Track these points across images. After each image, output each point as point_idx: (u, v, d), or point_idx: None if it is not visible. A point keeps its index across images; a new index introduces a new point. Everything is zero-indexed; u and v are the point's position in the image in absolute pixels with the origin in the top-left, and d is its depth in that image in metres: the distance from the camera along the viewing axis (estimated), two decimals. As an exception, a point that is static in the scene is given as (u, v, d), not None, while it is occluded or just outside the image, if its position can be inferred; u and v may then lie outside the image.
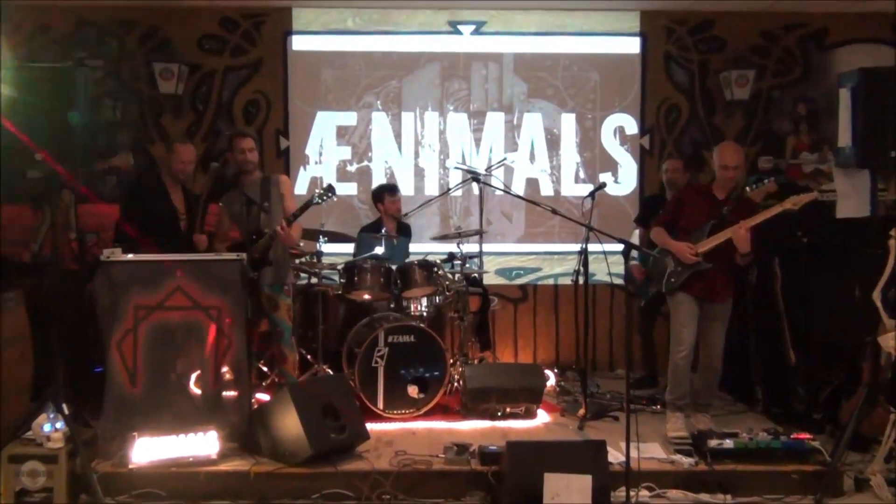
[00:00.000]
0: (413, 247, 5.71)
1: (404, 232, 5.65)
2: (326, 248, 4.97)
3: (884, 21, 5.86)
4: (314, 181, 5.96)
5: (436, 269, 4.91)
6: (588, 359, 4.84)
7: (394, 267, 4.94)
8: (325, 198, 4.12)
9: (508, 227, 6.07)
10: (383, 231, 5.23)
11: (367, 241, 5.30)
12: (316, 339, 4.86)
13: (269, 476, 3.61)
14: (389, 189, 5.58)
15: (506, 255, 6.05)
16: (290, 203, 4.32)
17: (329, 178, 5.97)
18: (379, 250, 5.04)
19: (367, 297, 4.93)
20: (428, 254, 5.60)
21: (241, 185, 4.30)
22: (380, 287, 4.82)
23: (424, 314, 4.96)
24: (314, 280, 5.15)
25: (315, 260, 4.89)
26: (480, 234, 5.49)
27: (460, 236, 5.02)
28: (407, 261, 5.18)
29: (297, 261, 5.01)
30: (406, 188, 5.99)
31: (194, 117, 5.87)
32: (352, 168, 5.99)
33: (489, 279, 5.93)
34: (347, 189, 5.97)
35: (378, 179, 5.98)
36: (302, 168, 5.93)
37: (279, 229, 4.10)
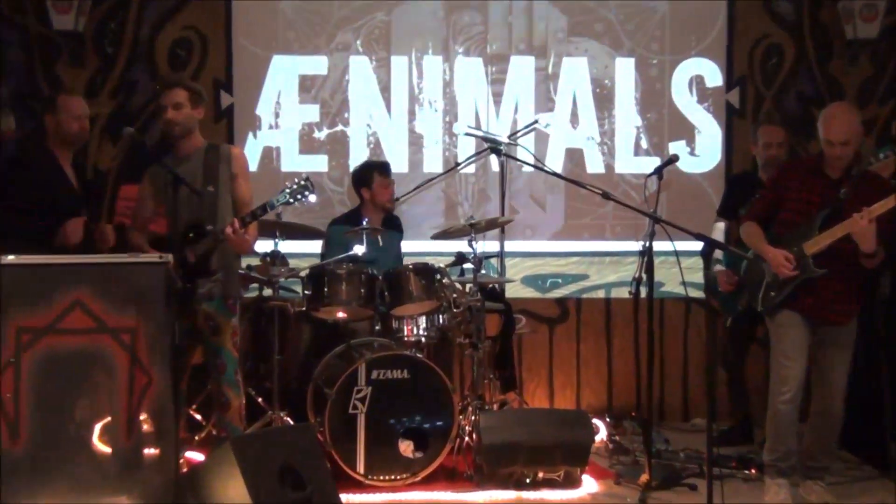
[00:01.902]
0: (407, 245, 5.72)
1: (393, 225, 5.66)
2: (285, 246, 4.97)
3: None
4: (268, 153, 5.98)
5: (439, 277, 4.92)
6: (654, 403, 4.83)
7: (379, 274, 4.95)
8: (300, 196, 4.12)
9: (541, 218, 6.09)
10: (364, 224, 5.22)
11: (340, 237, 5.30)
12: (270, 375, 4.87)
13: (204, 568, 3.59)
14: (381, 168, 5.59)
15: (538, 257, 6.08)
16: (246, 188, 4.30)
17: (289, 148, 5.98)
18: (359, 250, 5.03)
19: (341, 315, 4.93)
20: (428, 255, 5.59)
21: (170, 159, 4.29)
22: (360, 301, 4.83)
23: (423, 340, 4.97)
24: (268, 292, 5.15)
25: (269, 263, 4.91)
26: (502, 227, 5.49)
27: (473, 231, 5.00)
28: (398, 265, 5.19)
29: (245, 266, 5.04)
30: (397, 163, 5.99)
31: (100, 63, 5.88)
32: (320, 134, 6.01)
33: (514, 290, 5.96)
34: (314, 163, 5.98)
35: (357, 151, 5.99)
36: (251, 134, 5.95)
37: (229, 232, 4.09)
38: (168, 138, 4.31)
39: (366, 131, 6.02)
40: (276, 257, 4.88)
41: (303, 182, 4.16)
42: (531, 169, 5.82)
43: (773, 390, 4.31)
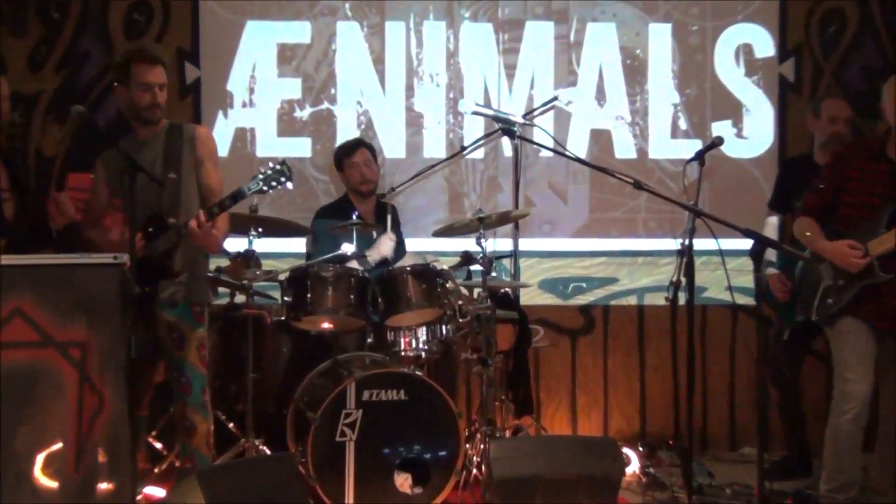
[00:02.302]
0: (406, 244, 5.76)
1: (389, 218, 5.67)
2: (261, 245, 4.97)
3: None
4: (241, 136, 5.99)
5: (441, 281, 4.93)
6: (695, 429, 4.81)
7: (372, 276, 4.97)
8: (274, 183, 4.11)
9: (562, 212, 6.11)
10: (354, 217, 5.23)
11: (325, 233, 5.33)
12: (243, 396, 4.86)
13: None
14: (348, 149, 5.68)
15: (558, 258, 6.09)
16: (214, 176, 4.30)
17: (266, 129, 6.00)
18: (347, 249, 5.03)
19: (327, 325, 4.95)
20: (429, 255, 5.61)
21: (126, 142, 4.28)
22: (348, 310, 4.84)
23: (423, 355, 4.99)
24: (240, 298, 5.17)
25: (242, 265, 4.90)
26: (516, 222, 5.50)
27: (482, 226, 4.99)
28: (394, 266, 5.21)
29: (215, 269, 5.04)
30: (393, 147, 6.01)
31: (45, 31, 5.88)
32: (303, 113, 6.03)
33: (530, 296, 5.97)
34: (295, 147, 6.01)
35: (346, 132, 6.00)
36: (220, 114, 5.97)
37: (193, 225, 4.08)
38: (141, 121, 4.29)
39: (356, 110, 6.03)
40: (250, 257, 4.85)
41: (278, 167, 4.15)
42: (550, 154, 5.82)
43: (834, 408, 4.29)
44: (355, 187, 5.61)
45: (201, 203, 4.24)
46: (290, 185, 4.20)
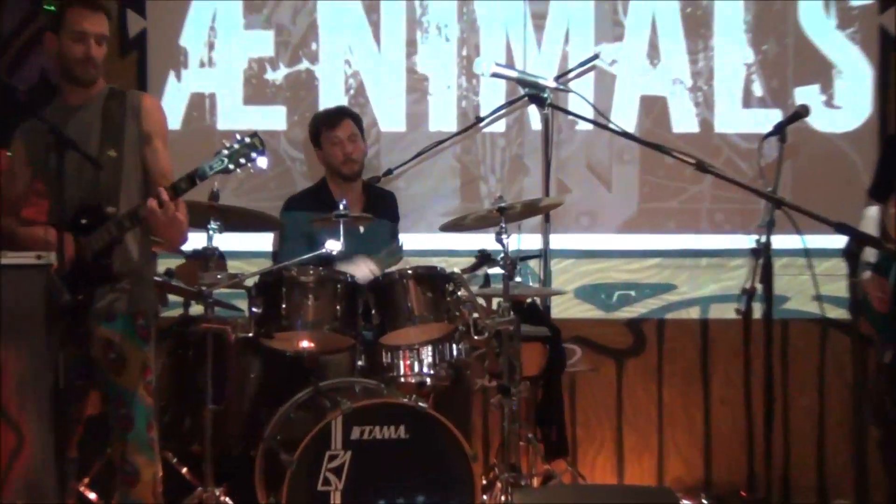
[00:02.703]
0: (405, 241, 5.71)
1: (384, 209, 5.68)
2: (223, 241, 4.95)
3: None
4: (197, 104, 6.00)
5: (451, 288, 4.92)
6: (774, 476, 4.78)
7: (363, 281, 4.98)
8: (243, 161, 4.07)
9: (605, 201, 6.13)
10: (342, 208, 5.20)
11: (297, 229, 5.35)
12: (201, 434, 4.86)
13: None
14: (328, 119, 5.68)
15: (599, 259, 6.11)
16: (163, 155, 4.29)
17: (230, 95, 6.01)
18: (331, 247, 5.01)
19: (306, 344, 4.95)
20: (436, 255, 5.65)
21: (52, 112, 4.27)
22: (334, 324, 4.84)
23: (428, 381, 5.00)
24: (197, 309, 5.18)
25: (199, 267, 4.91)
26: (546, 214, 5.50)
27: (504, 219, 4.97)
28: (392, 269, 5.21)
29: (163, 272, 5.03)
30: (390, 118, 6.02)
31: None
32: (276, 75, 6.06)
33: (564, 307, 5.99)
34: (267, 117, 6.02)
35: (330, 99, 6.02)
36: (172, 75, 5.99)
37: (154, 205, 4.06)
38: (69, 78, 4.27)
39: (343, 71, 6.05)
40: (209, 257, 4.83)
41: (248, 140, 4.11)
42: (589, 127, 5.81)
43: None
44: (336, 168, 5.62)
45: (146, 189, 4.22)
46: (263, 162, 4.17)
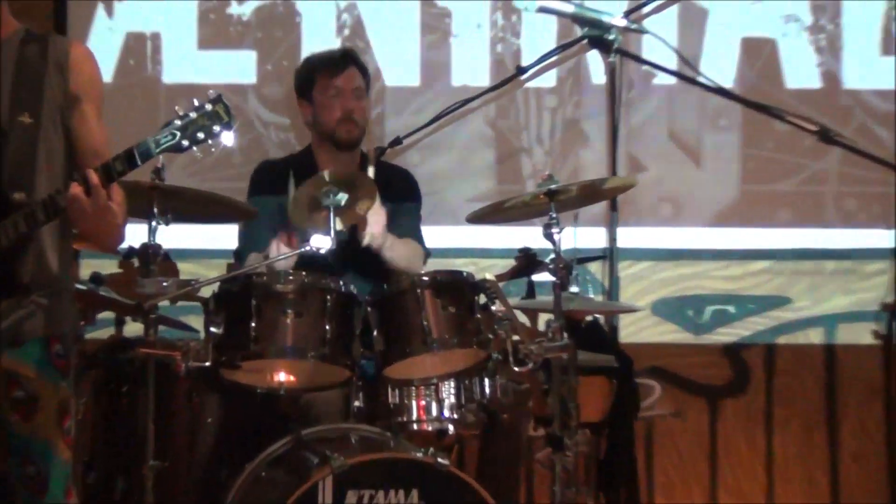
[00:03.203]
0: (427, 236, 5.77)
1: (396, 190, 5.65)
2: (171, 236, 4.94)
3: None
4: (136, 49, 6.07)
5: (482, 301, 4.92)
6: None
7: (364, 293, 4.97)
8: (205, 135, 4.02)
9: (694, 182, 6.20)
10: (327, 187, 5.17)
11: (270, 216, 5.38)
12: (139, 499, 4.80)
13: None
14: (326, 64, 5.68)
15: (686, 261, 6.18)
16: (97, 125, 4.26)
17: (179, 37, 6.07)
18: (318, 244, 4.95)
19: (284, 378, 4.96)
20: (461, 255, 5.74)
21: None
22: (321, 350, 4.82)
23: (451, 429, 4.97)
24: (134, 328, 5.14)
25: (137, 272, 4.86)
26: (612, 200, 5.52)
27: (553, 205, 4.92)
28: (401, 275, 5.21)
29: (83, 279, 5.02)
30: (398, 68, 6.11)
31: None
32: (242, 9, 6.14)
33: (638, 328, 6.07)
34: (229, 67, 6.11)
35: (316, 42, 6.08)
36: (101, 8, 6.05)
37: (78, 192, 4.01)
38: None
39: (334, 4, 6.14)
40: (150, 258, 4.83)
41: (208, 107, 4.06)
42: (671, 80, 5.87)
43: None
44: (329, 129, 5.59)
45: (72, 172, 4.18)
46: (228, 138, 4.12)
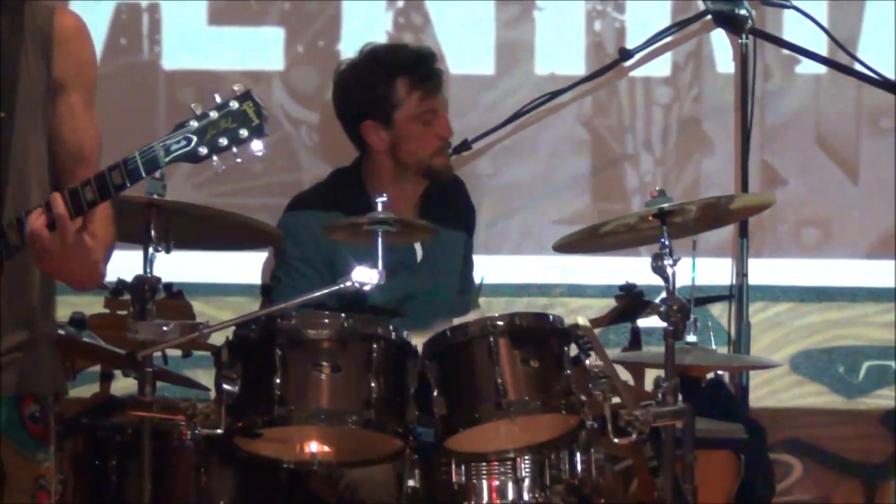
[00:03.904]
0: (491, 265, 5.83)
1: (450, 211, 5.72)
2: (175, 267, 5.00)
3: None
4: (129, 23, 6.09)
5: (573, 352, 4.95)
6: None
7: (418, 339, 4.99)
8: (229, 141, 4.04)
9: (847, 201, 6.18)
10: (379, 206, 5.20)
11: (312, 243, 5.43)
12: None
13: None
14: (421, 70, 5.68)
15: (835, 303, 6.15)
16: (87, 119, 4.26)
17: (185, 9, 6.11)
18: (363, 277, 5.00)
19: (316, 448, 4.98)
20: (544, 292, 5.75)
21: None
22: (366, 415, 4.83)
23: None
24: (125, 384, 5.20)
25: (129, 314, 4.89)
26: (743, 222, 5.52)
27: (666, 229, 4.95)
28: (465, 315, 5.28)
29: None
30: (468, 51, 6.12)
31: None
32: None
33: (772, 388, 6.04)
34: (250, 51, 6.13)
35: (362, 24, 6.10)
36: None
37: (38, 226, 4.04)
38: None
39: None
40: (144, 294, 4.89)
41: (235, 104, 4.08)
42: (820, 70, 5.88)
43: None
44: (424, 164, 5.62)
45: (54, 178, 4.24)
46: (258, 146, 4.15)
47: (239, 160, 4.09)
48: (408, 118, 5.59)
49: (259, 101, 4.04)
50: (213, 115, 4.02)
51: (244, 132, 4.03)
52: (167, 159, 4.00)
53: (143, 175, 3.99)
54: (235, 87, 4.03)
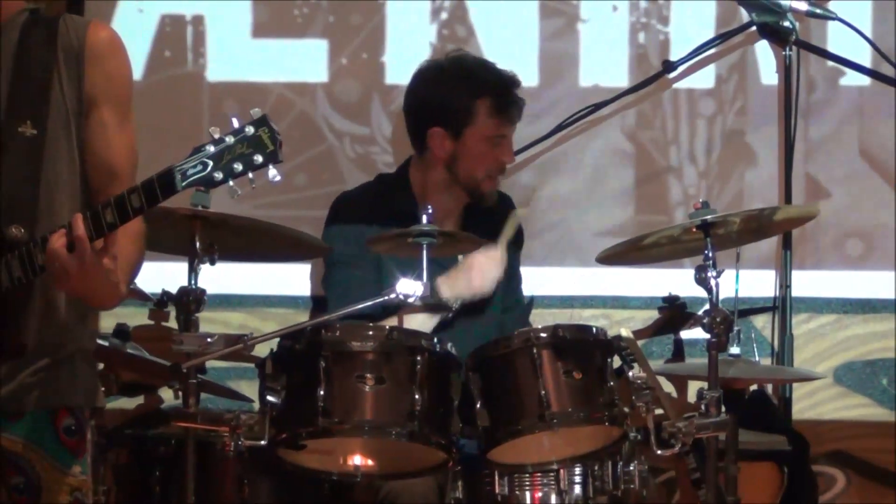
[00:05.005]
0: (535, 277, 5.82)
1: (496, 225, 5.68)
2: (217, 279, 4.99)
3: None
4: (174, 35, 6.11)
5: (616, 364, 4.93)
6: None
7: (463, 353, 4.97)
8: (243, 166, 4.02)
9: (890, 215, 6.10)
10: (424, 218, 5.19)
11: (356, 253, 5.41)
12: None
13: None
14: (507, 94, 5.64)
15: (881, 315, 6.11)
16: (121, 135, 4.20)
17: (231, 21, 6.11)
18: (407, 290, 4.98)
19: (360, 461, 4.95)
20: (589, 304, 5.73)
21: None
22: (409, 427, 4.82)
23: None
24: (168, 397, 5.22)
25: (179, 325, 4.90)
26: (786, 235, 5.49)
27: (709, 241, 4.92)
28: (513, 330, 5.19)
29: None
30: (512, 63, 5.92)
31: None
32: None
33: (816, 400, 6.04)
34: (294, 62, 6.14)
35: (407, 28, 6.12)
36: None
37: (59, 246, 4.01)
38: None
39: None
40: (189, 306, 4.88)
41: (250, 129, 4.06)
42: (864, 82, 5.85)
43: None
44: (474, 183, 5.63)
45: (87, 195, 4.23)
46: (273, 174, 4.13)
47: (253, 185, 4.10)
48: (478, 137, 5.59)
49: (275, 126, 4.01)
50: (230, 139, 3.99)
51: (259, 158, 3.99)
52: (183, 184, 3.96)
53: (161, 200, 3.99)
54: (253, 112, 4.01)
